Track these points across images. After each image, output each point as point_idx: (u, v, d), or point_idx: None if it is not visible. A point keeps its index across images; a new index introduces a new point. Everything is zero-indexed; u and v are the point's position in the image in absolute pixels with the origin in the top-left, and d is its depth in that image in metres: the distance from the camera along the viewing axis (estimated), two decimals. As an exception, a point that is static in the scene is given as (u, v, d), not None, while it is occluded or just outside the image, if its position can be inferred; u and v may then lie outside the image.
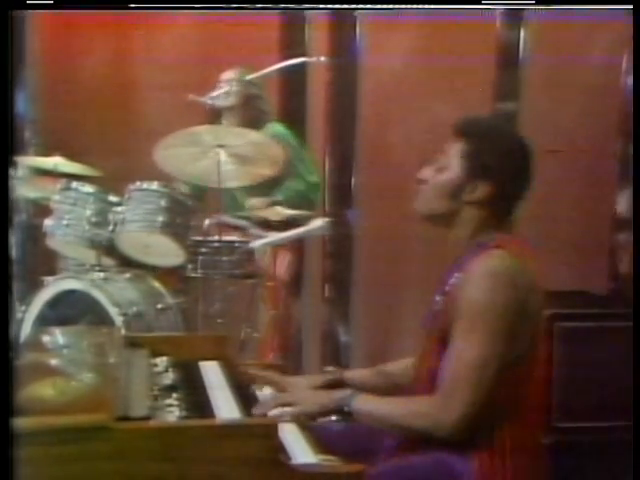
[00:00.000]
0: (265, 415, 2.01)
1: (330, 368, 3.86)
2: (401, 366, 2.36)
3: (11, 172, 3.95)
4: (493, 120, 2.12)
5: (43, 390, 1.81)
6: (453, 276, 2.04)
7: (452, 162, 2.07)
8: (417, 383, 2.13)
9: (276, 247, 3.91)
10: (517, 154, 2.10)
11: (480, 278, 1.95)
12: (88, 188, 3.90)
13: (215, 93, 4.11)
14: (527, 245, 2.10)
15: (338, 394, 2.09)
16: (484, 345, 1.92)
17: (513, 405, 2.00)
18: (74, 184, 3.91)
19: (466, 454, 1.95)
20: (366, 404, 2.05)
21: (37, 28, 4.83)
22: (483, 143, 2.07)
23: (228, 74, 4.26)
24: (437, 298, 2.09)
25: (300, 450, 1.87)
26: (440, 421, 1.92)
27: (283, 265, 4.13)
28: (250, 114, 4.27)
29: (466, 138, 2.07)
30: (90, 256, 3.89)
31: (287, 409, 2.07)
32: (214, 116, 4.17)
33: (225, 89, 4.17)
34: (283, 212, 4.00)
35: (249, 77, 4.17)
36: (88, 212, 3.84)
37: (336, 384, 2.32)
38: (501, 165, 2.07)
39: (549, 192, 4.92)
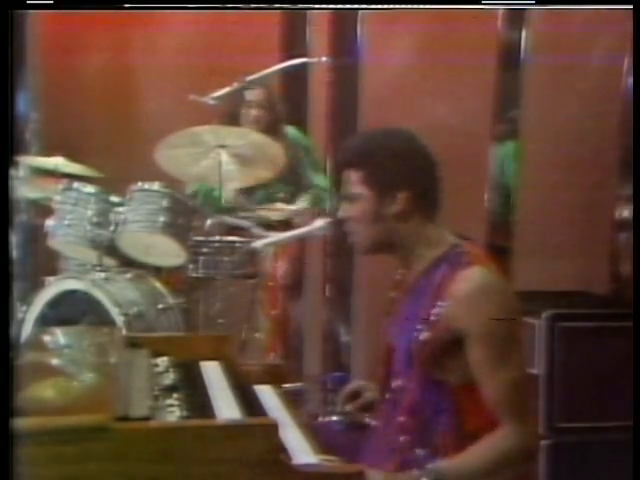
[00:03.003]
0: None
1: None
2: None
3: (12, 172, 3.95)
4: (376, 137, 2.17)
5: (44, 390, 1.82)
6: (436, 305, 2.02)
7: (359, 191, 2.09)
8: (394, 414, 2.11)
9: (277, 247, 3.91)
10: (413, 154, 2.12)
11: (474, 302, 1.97)
12: (90, 188, 3.90)
13: (217, 94, 4.11)
14: (485, 249, 2.14)
15: (417, 474, 1.94)
16: (517, 363, 1.99)
17: None
18: (75, 184, 3.91)
19: None
20: (453, 467, 1.95)
21: (37, 28, 4.82)
22: (380, 162, 2.08)
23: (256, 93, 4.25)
24: (418, 327, 2.04)
25: (301, 450, 1.87)
26: (529, 447, 1.99)
27: (284, 265, 4.13)
28: (270, 121, 4.27)
29: (361, 165, 2.09)
30: (91, 256, 3.89)
31: None
32: (224, 118, 4.16)
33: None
34: (285, 209, 4.00)
35: (250, 78, 4.17)
36: (89, 212, 3.84)
37: None
38: (407, 172, 2.09)
39: (550, 192, 4.92)
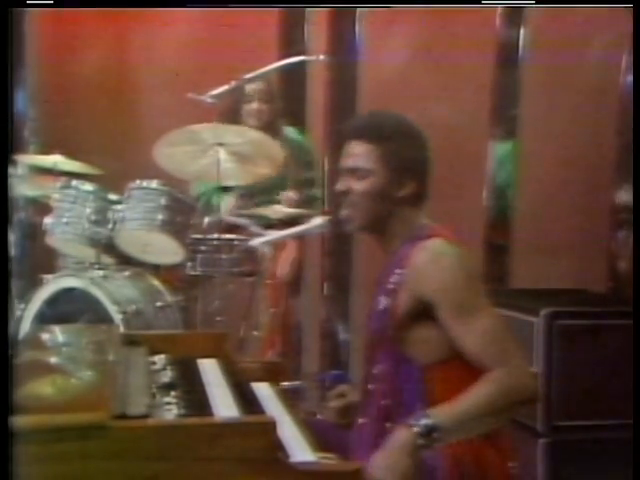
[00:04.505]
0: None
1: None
2: None
3: (11, 170, 3.95)
4: (395, 119, 2.19)
5: (42, 388, 1.81)
6: (394, 273, 2.06)
7: (373, 167, 2.10)
8: (369, 386, 2.14)
9: (276, 245, 3.91)
10: (425, 146, 2.17)
11: (432, 268, 2.00)
12: (88, 186, 3.90)
13: (215, 92, 4.10)
14: (451, 231, 2.14)
15: (407, 430, 1.88)
16: (488, 313, 1.99)
17: None
18: (74, 182, 3.91)
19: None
20: (446, 413, 1.90)
21: (37, 27, 4.82)
22: (400, 145, 2.11)
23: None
24: (380, 298, 2.09)
25: (299, 448, 1.87)
26: (525, 383, 1.94)
27: (282, 263, 4.13)
28: (271, 114, 4.27)
29: (380, 142, 2.10)
30: (89, 254, 3.89)
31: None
32: (224, 115, 4.15)
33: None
34: (283, 210, 4.00)
35: (249, 76, 4.16)
36: (88, 210, 3.84)
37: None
38: (419, 161, 2.15)
39: (548, 191, 4.93)
